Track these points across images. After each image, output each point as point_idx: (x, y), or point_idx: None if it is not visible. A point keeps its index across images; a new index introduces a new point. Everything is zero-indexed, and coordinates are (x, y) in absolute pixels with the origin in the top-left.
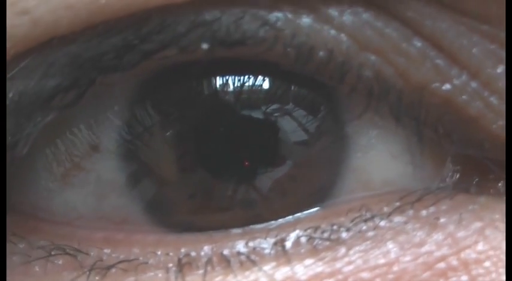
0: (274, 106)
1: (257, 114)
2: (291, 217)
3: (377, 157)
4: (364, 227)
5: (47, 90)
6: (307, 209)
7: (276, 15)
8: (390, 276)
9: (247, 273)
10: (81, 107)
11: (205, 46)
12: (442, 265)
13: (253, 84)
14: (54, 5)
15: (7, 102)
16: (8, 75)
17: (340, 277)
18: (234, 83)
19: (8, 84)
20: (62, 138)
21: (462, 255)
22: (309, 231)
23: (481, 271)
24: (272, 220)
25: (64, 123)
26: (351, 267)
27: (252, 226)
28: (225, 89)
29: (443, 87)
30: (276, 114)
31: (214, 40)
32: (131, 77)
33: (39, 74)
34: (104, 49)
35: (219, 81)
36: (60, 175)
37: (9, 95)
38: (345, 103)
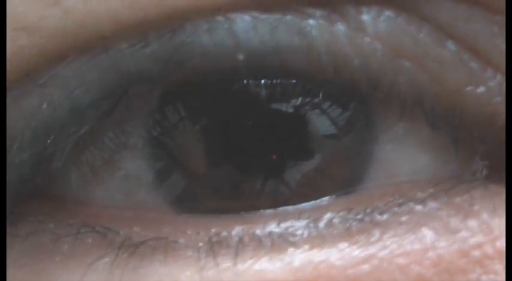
0: (304, 100)
1: (286, 108)
2: (323, 199)
3: (406, 149)
4: (399, 211)
5: (81, 103)
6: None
7: (309, 24)
8: (426, 262)
9: (279, 253)
10: (112, 117)
11: (240, 56)
12: (477, 252)
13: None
14: None
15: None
16: (39, 82)
17: (375, 262)
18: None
19: (39, 91)
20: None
21: (498, 244)
22: (342, 213)
23: None
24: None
25: (96, 132)
26: (385, 252)
27: (284, 208)
28: (255, 83)
29: (478, 90)
30: (306, 107)
31: (249, 49)
32: (163, 86)
33: (71, 86)
34: (136, 61)
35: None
36: (89, 171)
37: (43, 105)
38: (380, 110)
